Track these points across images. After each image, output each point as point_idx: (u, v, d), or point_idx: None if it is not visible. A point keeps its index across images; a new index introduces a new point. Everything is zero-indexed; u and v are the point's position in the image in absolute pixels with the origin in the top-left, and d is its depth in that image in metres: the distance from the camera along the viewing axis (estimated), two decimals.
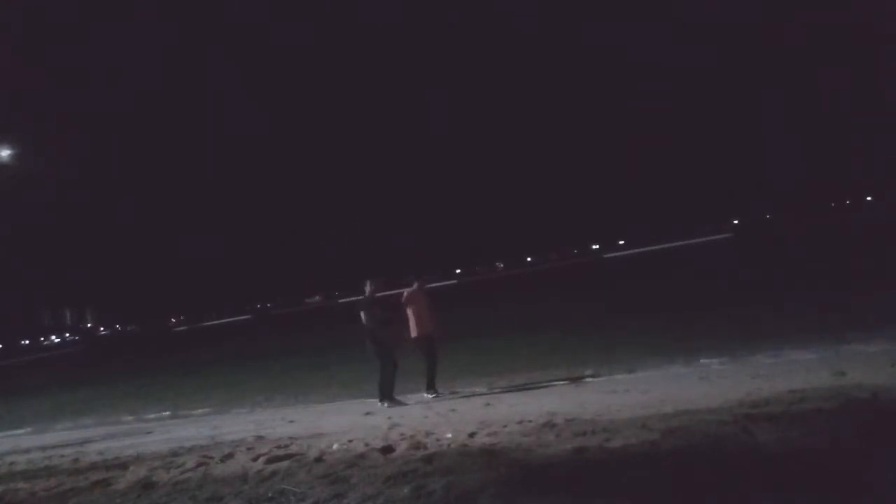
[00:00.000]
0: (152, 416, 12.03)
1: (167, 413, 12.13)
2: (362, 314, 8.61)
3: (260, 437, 6.58)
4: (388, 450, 4.78)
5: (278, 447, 5.55)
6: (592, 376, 8.99)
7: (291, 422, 8.05)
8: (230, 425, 8.49)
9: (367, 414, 7.81)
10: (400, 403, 8.32)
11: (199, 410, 11.87)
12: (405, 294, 8.79)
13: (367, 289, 8.87)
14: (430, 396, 8.49)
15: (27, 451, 8.15)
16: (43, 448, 8.26)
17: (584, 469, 3.60)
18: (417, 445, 4.85)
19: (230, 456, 5.37)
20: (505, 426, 5.31)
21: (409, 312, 8.67)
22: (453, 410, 7.15)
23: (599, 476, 3.42)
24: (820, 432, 3.70)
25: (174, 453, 6.09)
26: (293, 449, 5.36)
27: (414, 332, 8.64)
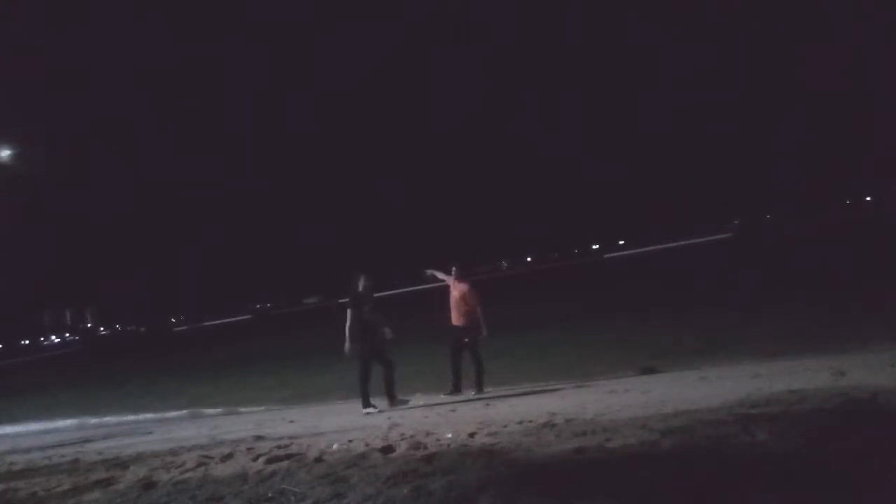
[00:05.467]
0: (152, 415, 12.04)
1: (167, 413, 12.14)
2: (378, 316, 8.10)
3: (260, 437, 6.57)
4: (388, 450, 4.78)
5: (278, 447, 5.54)
6: (592, 377, 8.99)
7: (291, 422, 8.05)
8: (230, 425, 8.49)
9: (368, 414, 7.81)
10: (373, 407, 7.90)
11: (200, 410, 11.88)
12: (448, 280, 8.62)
13: (363, 284, 8.24)
14: (472, 394, 8.31)
15: (27, 450, 8.14)
16: (43, 448, 8.25)
17: (584, 469, 3.60)
18: (417, 445, 4.84)
19: (230, 456, 5.36)
20: (505, 426, 5.30)
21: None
22: (453, 410, 7.15)
23: (599, 476, 3.41)
24: (820, 432, 3.70)
25: (174, 453, 6.08)
26: (293, 449, 5.35)
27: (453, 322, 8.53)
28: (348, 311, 8.02)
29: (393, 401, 8.00)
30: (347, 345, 7.93)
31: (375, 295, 8.53)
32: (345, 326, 7.99)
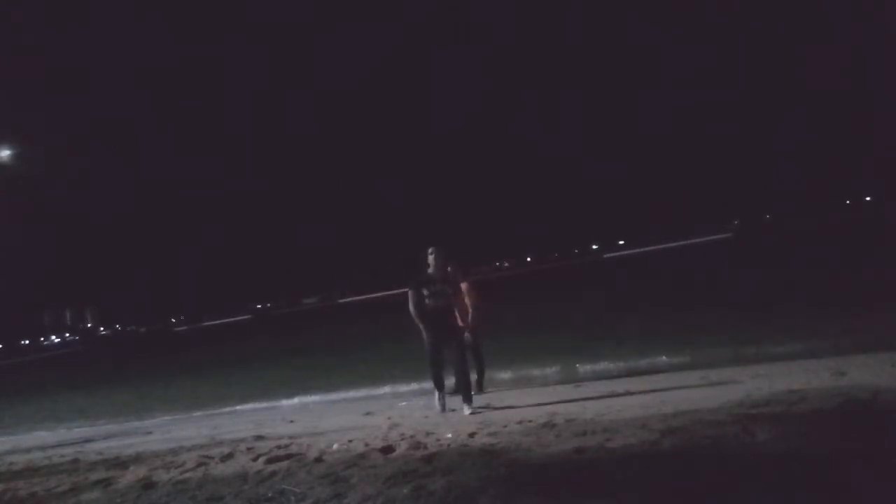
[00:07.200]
0: (152, 416, 12.03)
1: (167, 413, 12.14)
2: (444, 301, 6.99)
3: (260, 437, 6.57)
4: (388, 450, 4.78)
5: (278, 447, 5.54)
6: (592, 377, 8.99)
7: (291, 422, 8.05)
8: (230, 425, 8.49)
9: (367, 414, 7.81)
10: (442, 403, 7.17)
11: (199, 410, 11.87)
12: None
13: (433, 263, 7.02)
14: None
15: (27, 450, 8.15)
16: (43, 448, 8.26)
17: (584, 469, 3.60)
18: (417, 445, 4.85)
19: (230, 456, 5.36)
20: (505, 426, 5.30)
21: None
22: (453, 410, 7.15)
23: (599, 476, 3.42)
24: (820, 432, 3.70)
25: (174, 453, 6.08)
26: (293, 449, 5.36)
27: None
28: (409, 295, 7.01)
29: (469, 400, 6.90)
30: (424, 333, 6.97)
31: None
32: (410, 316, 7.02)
